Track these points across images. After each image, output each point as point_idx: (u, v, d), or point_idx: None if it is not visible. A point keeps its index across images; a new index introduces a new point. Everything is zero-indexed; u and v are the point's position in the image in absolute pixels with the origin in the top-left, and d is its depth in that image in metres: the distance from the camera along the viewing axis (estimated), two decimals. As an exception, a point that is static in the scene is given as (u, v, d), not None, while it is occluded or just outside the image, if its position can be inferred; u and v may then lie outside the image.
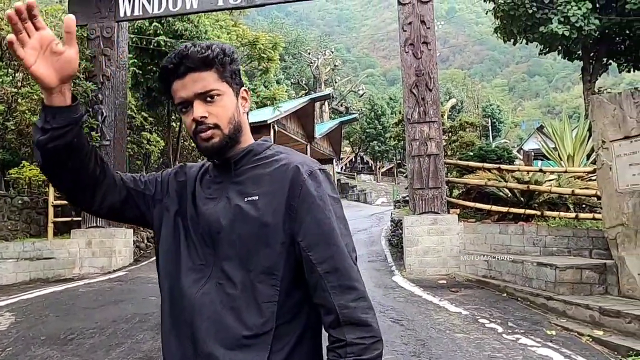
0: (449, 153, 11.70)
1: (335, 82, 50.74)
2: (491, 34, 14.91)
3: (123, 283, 7.98)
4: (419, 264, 7.98)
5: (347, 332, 1.04)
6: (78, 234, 9.68)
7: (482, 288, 6.86)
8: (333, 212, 1.12)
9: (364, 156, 49.65)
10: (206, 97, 1.12)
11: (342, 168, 49.27)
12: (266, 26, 47.99)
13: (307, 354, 1.11)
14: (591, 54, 13.36)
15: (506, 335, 4.67)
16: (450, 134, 13.01)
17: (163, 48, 13.07)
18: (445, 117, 14.80)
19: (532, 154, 15.11)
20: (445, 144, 10.09)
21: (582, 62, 13.57)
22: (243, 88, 1.21)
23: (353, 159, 51.79)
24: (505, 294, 6.39)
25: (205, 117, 1.12)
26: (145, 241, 11.83)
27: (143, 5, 9.94)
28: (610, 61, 13.72)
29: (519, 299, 6.10)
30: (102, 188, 1.16)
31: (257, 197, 1.12)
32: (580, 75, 14.09)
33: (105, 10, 10.01)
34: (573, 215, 7.39)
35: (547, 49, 13.13)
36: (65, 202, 7.91)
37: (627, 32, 12.11)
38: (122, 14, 10.01)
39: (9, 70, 8.46)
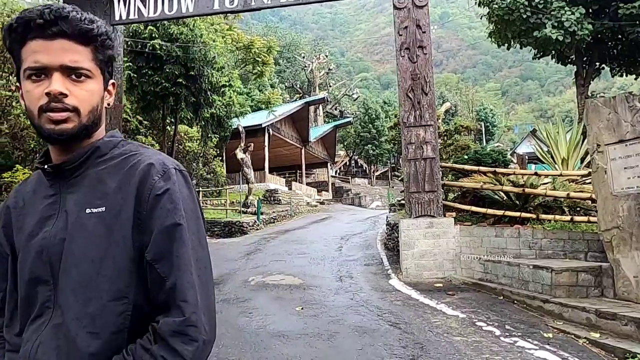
0: (444, 157, 11.74)
1: (330, 86, 50.91)
2: (485, 39, 15.03)
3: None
4: (416, 267, 7.99)
5: (159, 349, 0.89)
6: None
7: (479, 291, 6.88)
8: (186, 219, 0.96)
9: (358, 160, 49.74)
10: (74, 73, 0.95)
11: (336, 172, 49.31)
12: (261, 30, 48.09)
13: None
14: (584, 58, 13.49)
15: (504, 338, 4.68)
16: (445, 138, 13.07)
17: (158, 52, 13.05)
18: (440, 121, 14.86)
19: (526, 157, 15.22)
20: (440, 147, 10.13)
21: (575, 66, 13.70)
22: (112, 80, 1.06)
23: (347, 163, 51.87)
24: (501, 297, 6.42)
25: (66, 96, 0.94)
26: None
27: (138, 8, 9.92)
28: (604, 65, 13.86)
29: (515, 302, 6.12)
30: None
31: (103, 209, 0.94)
32: (574, 79, 14.22)
33: (100, 13, 9.97)
34: (568, 218, 7.43)
35: (541, 54, 13.25)
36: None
37: (620, 36, 12.25)
38: (117, 17, 9.98)
39: (3, 73, 8.40)
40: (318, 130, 38.61)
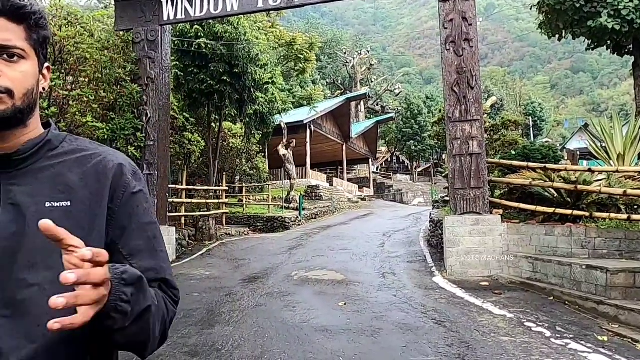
0: (490, 152, 11.43)
1: (371, 82, 50.56)
2: (533, 30, 14.47)
3: (167, 279, 8.18)
4: (460, 265, 7.83)
5: (167, 296, 0.97)
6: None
7: (527, 291, 6.67)
8: (155, 216, 1.03)
9: (400, 156, 49.18)
10: (5, 53, 0.89)
11: (377, 168, 49.00)
12: (302, 27, 48.32)
13: None
14: (642, 48, 12.73)
15: (554, 339, 4.52)
16: (491, 133, 12.71)
17: (204, 50, 13.36)
18: (486, 115, 14.47)
19: (578, 153, 14.58)
20: (486, 143, 9.87)
21: (632, 57, 12.96)
22: (47, 64, 0.99)
23: (389, 159, 51.41)
24: (551, 298, 6.19)
25: None
26: (187, 239, 12.13)
27: (185, 8, 10.18)
28: (664, 55, 13.03)
29: (566, 302, 5.89)
30: None
31: (68, 203, 0.90)
32: (631, 71, 13.45)
33: (149, 14, 10.31)
34: (625, 216, 7.07)
35: (595, 44, 12.60)
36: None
37: (683, 24, 11.48)
38: (165, 18, 10.28)
39: (60, 74, 8.84)
40: (359, 126, 38.44)
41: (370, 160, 41.60)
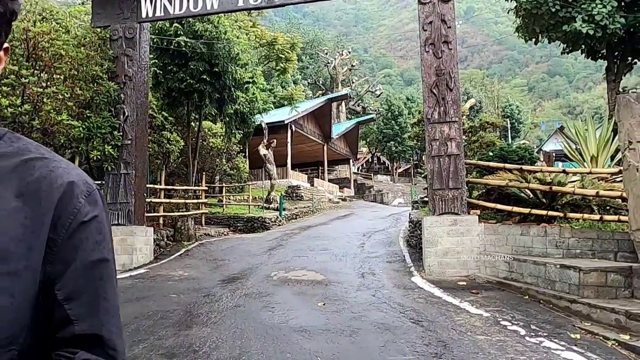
0: (468, 154, 11.58)
1: (352, 82, 50.71)
2: (511, 34, 14.71)
3: (144, 280, 8.08)
4: (439, 265, 7.91)
5: None
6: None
7: (503, 290, 6.78)
8: (112, 252, 0.80)
9: (381, 157, 49.49)
10: None
11: (358, 168, 49.18)
12: (284, 27, 48.26)
13: None
14: (616, 53, 13.07)
15: (529, 338, 4.60)
16: (470, 134, 12.88)
17: (183, 48, 13.21)
18: (465, 117, 14.65)
19: (554, 155, 14.89)
20: (465, 144, 10.00)
21: (606, 61, 13.29)
22: (6, 45, 0.80)
23: (369, 160, 51.68)
24: (527, 297, 6.30)
25: None
26: (165, 239, 11.98)
27: (164, 6, 10.06)
28: (636, 60, 13.41)
29: (541, 301, 6.01)
30: None
31: None
32: (604, 75, 13.80)
33: (127, 11, 10.16)
34: (597, 217, 7.24)
35: (570, 48, 12.88)
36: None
37: (653, 30, 11.81)
38: (144, 15, 10.14)
39: (35, 70, 8.63)
40: (340, 126, 38.55)
41: (351, 160, 41.75)
